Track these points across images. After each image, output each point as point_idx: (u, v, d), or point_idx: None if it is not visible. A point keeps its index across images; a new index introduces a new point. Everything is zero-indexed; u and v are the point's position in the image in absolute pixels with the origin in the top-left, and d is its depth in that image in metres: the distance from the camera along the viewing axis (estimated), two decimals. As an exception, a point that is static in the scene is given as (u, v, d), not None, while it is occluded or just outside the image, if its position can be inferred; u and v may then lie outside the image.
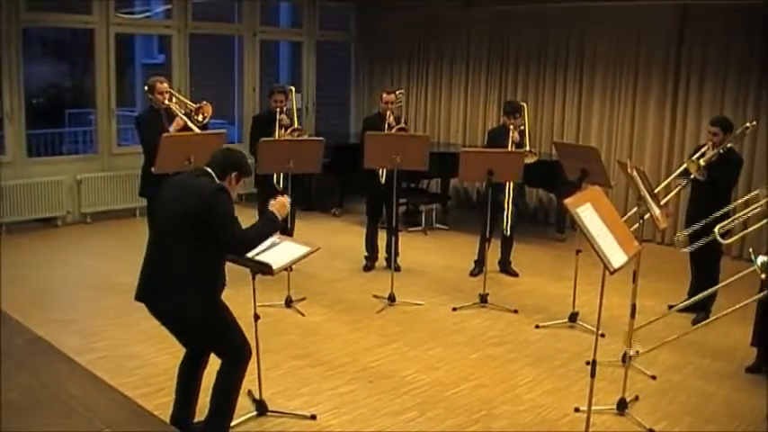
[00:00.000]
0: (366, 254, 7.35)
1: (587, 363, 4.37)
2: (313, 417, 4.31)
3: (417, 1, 10.57)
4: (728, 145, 5.75)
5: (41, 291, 6.35)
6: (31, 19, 8.47)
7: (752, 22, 7.76)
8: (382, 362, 5.18)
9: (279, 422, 4.24)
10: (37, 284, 6.50)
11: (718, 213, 5.32)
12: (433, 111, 10.84)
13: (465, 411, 4.48)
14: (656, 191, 5.04)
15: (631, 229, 4.35)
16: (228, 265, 3.84)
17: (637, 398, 4.61)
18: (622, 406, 4.44)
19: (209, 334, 3.75)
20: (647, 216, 4.79)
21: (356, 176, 7.83)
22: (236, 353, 3.80)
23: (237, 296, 4.17)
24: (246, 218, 3.93)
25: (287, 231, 6.49)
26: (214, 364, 3.85)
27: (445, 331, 5.81)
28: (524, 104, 7.01)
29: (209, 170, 3.73)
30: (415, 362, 5.20)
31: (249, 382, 4.13)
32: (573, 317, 5.93)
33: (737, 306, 4.10)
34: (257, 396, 4.32)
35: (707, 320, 5.26)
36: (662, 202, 5.20)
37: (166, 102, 6.21)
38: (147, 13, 13.18)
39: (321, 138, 6.85)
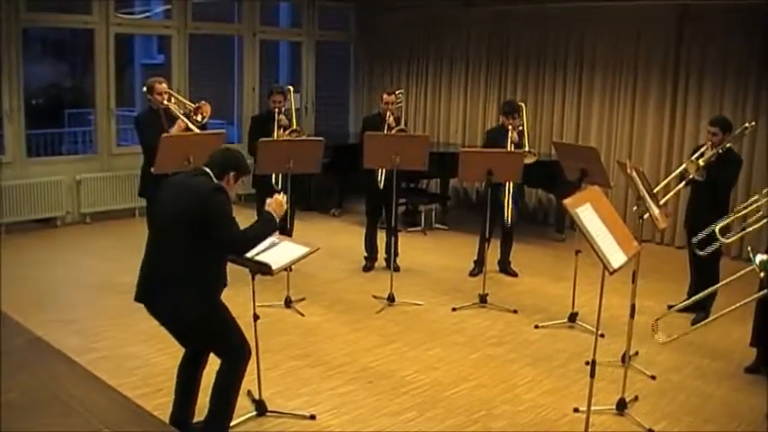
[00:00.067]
0: (365, 254, 7.35)
1: (587, 363, 4.37)
2: (312, 417, 4.31)
3: (417, 1, 10.57)
4: (727, 145, 5.75)
5: (41, 291, 6.35)
6: (31, 19, 8.47)
7: (751, 22, 7.77)
8: (382, 362, 5.18)
9: (278, 422, 4.24)
10: (36, 284, 6.50)
11: (722, 223, 5.29)
12: (433, 111, 10.84)
13: (464, 411, 4.48)
14: (654, 190, 5.04)
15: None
16: (228, 266, 3.85)
17: (636, 398, 4.61)
18: (622, 406, 4.44)
19: (207, 333, 3.76)
20: (646, 216, 4.80)
21: (356, 177, 7.83)
22: (236, 353, 3.80)
23: (237, 296, 4.17)
24: (245, 218, 3.94)
25: (286, 231, 6.51)
26: (213, 364, 3.85)
27: (445, 331, 5.81)
28: (522, 104, 7.01)
29: (208, 170, 3.74)
30: (415, 362, 5.20)
31: (248, 382, 4.14)
32: (572, 317, 5.93)
33: (737, 305, 4.10)
34: (257, 396, 4.32)
35: (706, 320, 5.26)
36: (661, 202, 5.20)
37: (165, 102, 6.20)
38: (147, 14, 13.18)
39: (320, 138, 6.86)
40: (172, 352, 4.26)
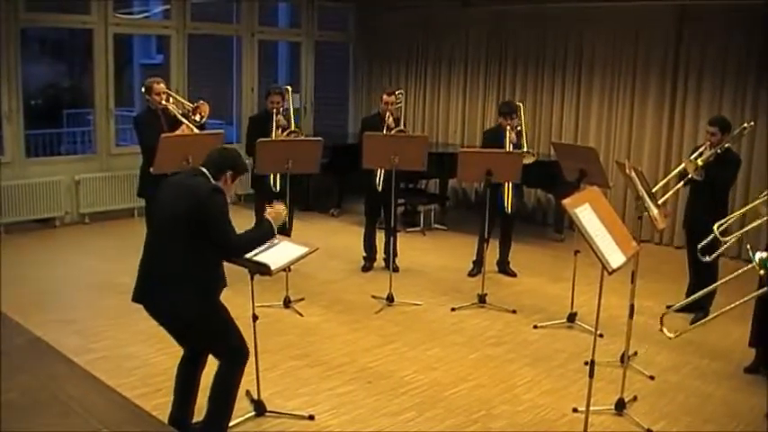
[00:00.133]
0: (364, 254, 7.35)
1: (586, 363, 4.37)
2: (311, 417, 4.31)
3: (416, 1, 10.57)
4: (726, 145, 5.75)
5: (40, 291, 6.35)
6: (30, 19, 8.46)
7: (750, 22, 7.77)
8: (381, 362, 5.18)
9: (277, 422, 4.24)
10: (36, 285, 6.49)
11: (723, 227, 5.29)
12: (432, 111, 10.84)
13: (464, 411, 4.48)
14: (653, 190, 5.04)
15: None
16: (227, 266, 3.85)
17: (635, 398, 4.61)
18: (621, 406, 4.45)
19: (206, 334, 3.76)
20: (645, 216, 4.80)
21: (355, 177, 7.83)
22: (234, 354, 3.80)
23: (236, 296, 4.17)
24: (243, 218, 3.95)
25: (285, 231, 6.50)
26: (212, 364, 3.85)
27: (444, 331, 5.81)
28: (520, 105, 7.02)
29: (205, 170, 3.74)
30: (414, 362, 5.20)
31: (247, 382, 4.14)
32: (571, 317, 5.94)
33: (737, 303, 4.09)
34: (256, 396, 4.32)
35: (705, 319, 5.25)
36: (659, 202, 5.20)
37: (164, 102, 6.20)
38: (146, 14, 13.18)
39: (319, 138, 6.85)
40: (171, 352, 4.26)
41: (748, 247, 4.24)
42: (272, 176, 6.78)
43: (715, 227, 5.12)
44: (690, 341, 5.45)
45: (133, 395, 4.10)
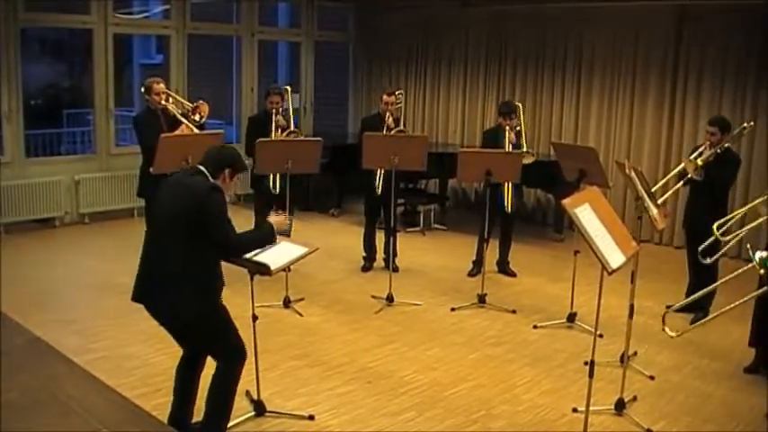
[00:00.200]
0: (364, 254, 7.35)
1: (585, 363, 4.37)
2: (311, 417, 4.31)
3: (415, 1, 10.57)
4: (726, 145, 5.75)
5: (40, 291, 6.35)
6: (30, 19, 8.47)
7: (750, 22, 7.78)
8: (381, 362, 5.18)
9: (277, 422, 4.24)
10: (36, 285, 6.49)
11: (723, 228, 5.29)
12: (432, 111, 10.85)
13: (464, 411, 4.48)
14: (652, 189, 5.04)
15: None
16: (227, 266, 3.85)
17: (635, 398, 4.62)
18: (620, 406, 4.45)
19: (206, 334, 3.75)
20: (644, 216, 4.80)
21: (354, 177, 7.83)
22: (232, 355, 3.80)
23: (235, 296, 4.18)
24: (243, 218, 3.95)
25: (285, 233, 6.49)
26: (211, 365, 3.85)
27: (443, 331, 5.81)
28: (519, 105, 7.02)
29: (203, 168, 3.74)
30: (414, 362, 5.20)
31: (247, 382, 4.14)
32: (571, 317, 5.94)
33: (737, 303, 4.09)
34: (255, 396, 4.32)
35: (705, 319, 5.25)
36: (659, 201, 5.20)
37: (163, 102, 6.20)
38: (146, 14, 13.19)
39: (319, 138, 6.85)
40: (171, 352, 4.26)
41: (748, 246, 4.24)
42: (271, 179, 6.77)
43: (715, 228, 5.11)
44: (690, 341, 5.46)
45: (133, 395, 4.09)
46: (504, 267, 7.31)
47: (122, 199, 8.96)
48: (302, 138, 7.06)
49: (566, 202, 3.81)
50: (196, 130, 6.12)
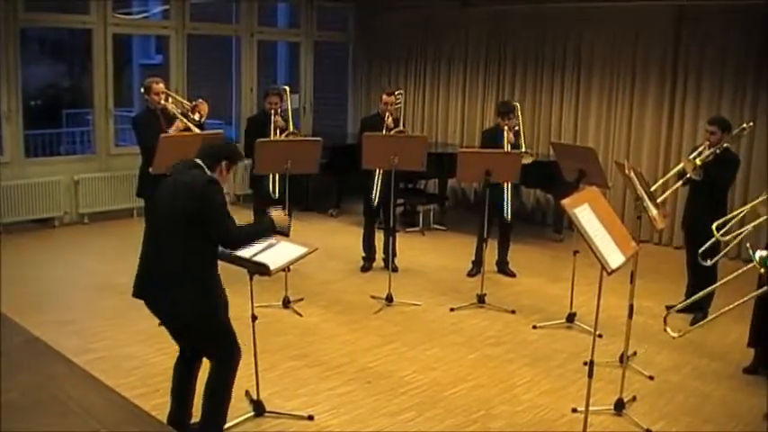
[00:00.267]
0: (363, 254, 7.35)
1: (585, 363, 4.37)
2: (311, 417, 4.31)
3: (415, 1, 10.57)
4: (725, 145, 5.75)
5: (39, 291, 6.35)
6: (29, 19, 8.47)
7: (749, 22, 7.78)
8: (380, 362, 5.18)
9: (276, 423, 4.24)
10: (35, 285, 6.49)
11: (723, 230, 5.29)
12: (431, 111, 10.84)
13: (463, 411, 4.48)
14: (652, 189, 5.05)
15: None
16: (226, 266, 3.85)
17: (634, 398, 4.62)
18: (620, 406, 4.45)
19: (205, 333, 3.74)
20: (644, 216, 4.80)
21: (354, 177, 7.82)
22: (228, 355, 3.79)
23: (235, 297, 4.16)
24: (242, 219, 3.94)
25: (285, 233, 6.48)
26: (208, 364, 3.85)
27: (443, 332, 5.81)
28: (517, 104, 7.02)
29: (200, 161, 3.74)
30: (413, 362, 5.20)
31: (247, 382, 4.14)
32: (570, 317, 5.94)
33: (736, 303, 4.10)
34: (255, 396, 4.32)
35: (705, 320, 5.26)
36: (658, 201, 5.20)
37: (162, 102, 6.19)
38: (145, 14, 13.18)
39: (318, 138, 6.84)
40: (170, 352, 4.25)
41: (748, 245, 4.24)
42: (270, 181, 6.75)
43: (714, 229, 5.11)
44: (689, 341, 5.45)
45: (132, 395, 4.09)
46: (503, 267, 7.31)
47: (122, 199, 8.94)
48: (301, 138, 7.04)
49: (565, 202, 3.81)
50: (192, 126, 6.11)
